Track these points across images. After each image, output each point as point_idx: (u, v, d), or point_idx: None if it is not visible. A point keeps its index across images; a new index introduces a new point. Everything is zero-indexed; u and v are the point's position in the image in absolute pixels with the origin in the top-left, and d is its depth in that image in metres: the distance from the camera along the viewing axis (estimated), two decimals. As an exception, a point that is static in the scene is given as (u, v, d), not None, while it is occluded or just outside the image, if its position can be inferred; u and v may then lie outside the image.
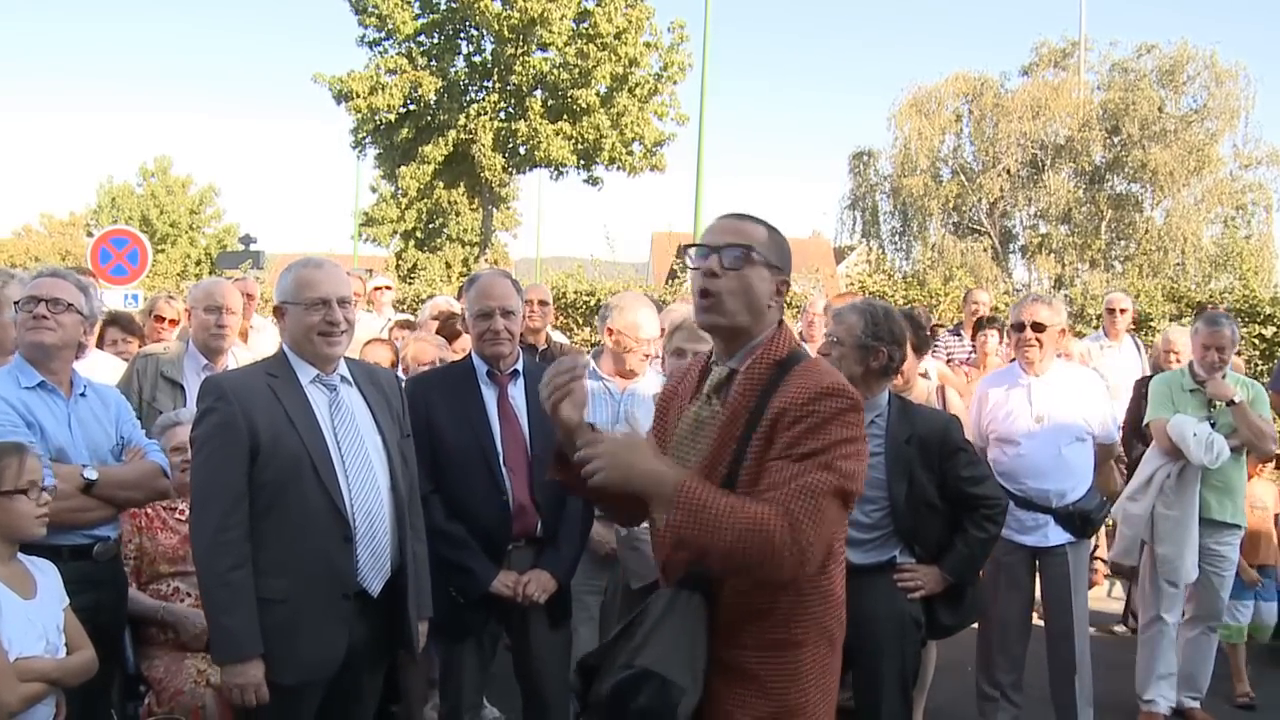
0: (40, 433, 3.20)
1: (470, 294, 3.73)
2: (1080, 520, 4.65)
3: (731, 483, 2.22)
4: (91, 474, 3.24)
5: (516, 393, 3.73)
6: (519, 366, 3.76)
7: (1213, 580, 5.13)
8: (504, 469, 3.60)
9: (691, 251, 2.41)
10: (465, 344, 5.40)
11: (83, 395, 3.41)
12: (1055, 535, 4.66)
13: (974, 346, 8.17)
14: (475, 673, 3.63)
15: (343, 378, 3.19)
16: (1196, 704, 5.23)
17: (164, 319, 5.88)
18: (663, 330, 4.59)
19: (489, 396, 3.68)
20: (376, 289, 8.44)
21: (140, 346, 5.25)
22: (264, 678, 2.91)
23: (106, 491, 3.28)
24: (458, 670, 3.62)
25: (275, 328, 3.55)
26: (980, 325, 7.67)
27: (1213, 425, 4.98)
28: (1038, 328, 4.70)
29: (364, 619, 3.09)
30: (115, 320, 5.64)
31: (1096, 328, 10.23)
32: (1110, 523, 5.46)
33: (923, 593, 3.73)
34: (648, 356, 4.52)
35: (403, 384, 3.62)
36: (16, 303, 3.32)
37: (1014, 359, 4.93)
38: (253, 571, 2.92)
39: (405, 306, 11.30)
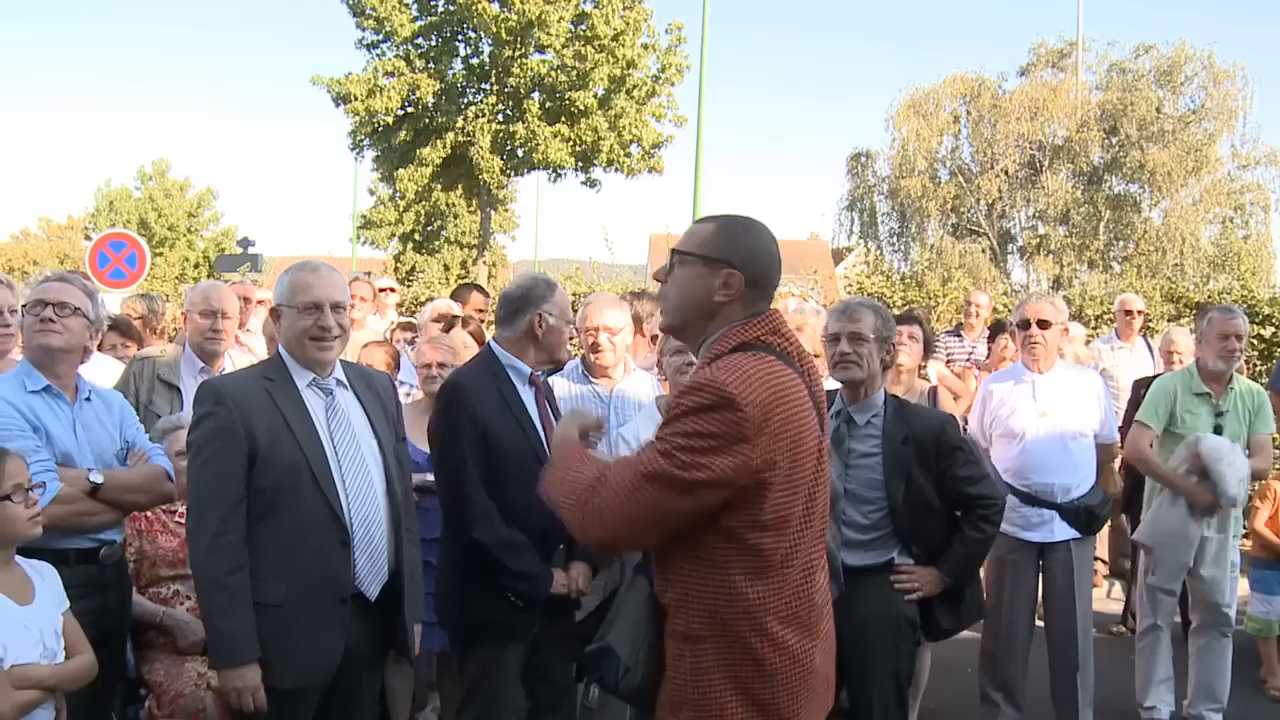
0: (45, 437, 3.19)
1: (559, 299, 3.66)
2: (1085, 515, 4.65)
3: None
4: (97, 478, 3.24)
5: (546, 394, 3.76)
6: None
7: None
8: None
9: None
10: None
11: (87, 400, 3.40)
12: (1060, 531, 4.67)
13: (972, 349, 8.20)
14: (516, 674, 3.59)
15: (339, 381, 3.20)
16: (1219, 716, 5.03)
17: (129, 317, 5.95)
18: (654, 336, 4.59)
19: (528, 398, 3.64)
20: (381, 290, 8.43)
21: (138, 350, 5.25)
22: (261, 682, 2.91)
23: (112, 495, 3.28)
24: (499, 673, 3.55)
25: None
26: (997, 329, 7.74)
27: (1219, 431, 4.90)
28: (1043, 324, 4.75)
29: (361, 622, 3.10)
30: (115, 325, 5.64)
31: (1095, 328, 10.24)
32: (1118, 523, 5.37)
33: (920, 594, 3.72)
34: (622, 348, 4.49)
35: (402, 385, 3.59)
36: (24, 305, 3.31)
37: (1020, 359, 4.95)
38: (250, 576, 2.92)
39: (404, 309, 11.28)
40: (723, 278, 2.30)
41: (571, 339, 5.48)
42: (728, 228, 2.37)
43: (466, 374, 3.69)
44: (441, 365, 4.70)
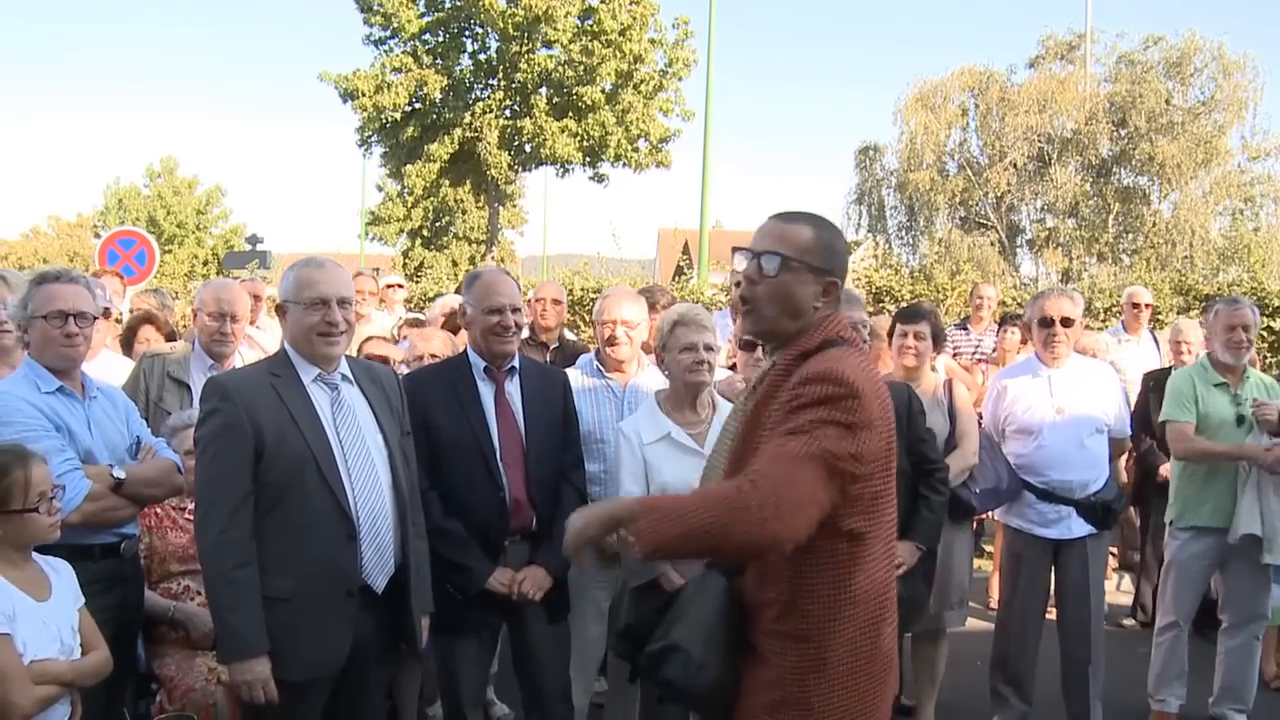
0: (69, 436, 3.23)
1: (476, 290, 3.72)
2: (1102, 511, 4.64)
3: None
4: (120, 473, 3.29)
5: (513, 389, 3.77)
6: (515, 364, 3.78)
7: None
8: (501, 465, 3.63)
9: (737, 256, 2.46)
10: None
11: (94, 398, 3.43)
12: (1077, 527, 4.65)
13: (978, 341, 8.19)
14: (474, 668, 3.65)
15: (344, 376, 3.21)
16: (1244, 716, 4.96)
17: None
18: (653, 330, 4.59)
19: (486, 393, 3.71)
20: (388, 287, 8.45)
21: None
22: (271, 675, 2.93)
23: (133, 489, 3.33)
24: (456, 667, 3.63)
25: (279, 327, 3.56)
26: (1003, 321, 7.72)
27: (1240, 421, 4.81)
28: (1066, 322, 4.71)
29: (369, 615, 3.12)
30: (150, 320, 5.65)
31: (1104, 321, 10.21)
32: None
33: (903, 570, 3.79)
34: (641, 344, 4.51)
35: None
36: (45, 315, 3.28)
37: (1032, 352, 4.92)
38: (258, 570, 2.94)
39: (412, 305, 11.31)
40: (824, 285, 2.35)
41: (541, 319, 5.59)
42: (827, 236, 2.39)
43: (425, 367, 3.92)
44: (434, 356, 4.73)
